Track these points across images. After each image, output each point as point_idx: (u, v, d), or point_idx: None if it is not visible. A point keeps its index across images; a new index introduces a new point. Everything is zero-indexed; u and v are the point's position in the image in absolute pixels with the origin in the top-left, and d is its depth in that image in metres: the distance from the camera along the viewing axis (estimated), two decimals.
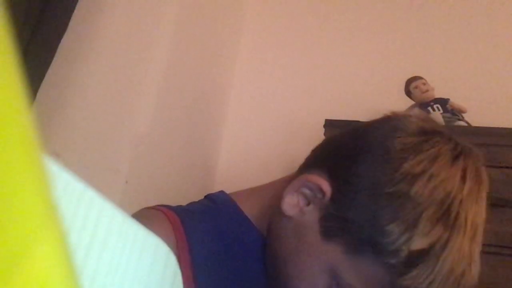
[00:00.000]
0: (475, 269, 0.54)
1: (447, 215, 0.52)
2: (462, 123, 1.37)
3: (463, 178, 0.54)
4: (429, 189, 0.52)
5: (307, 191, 0.58)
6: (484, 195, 0.56)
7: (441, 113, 1.37)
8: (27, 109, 0.15)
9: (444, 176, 0.53)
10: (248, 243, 0.62)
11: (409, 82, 1.46)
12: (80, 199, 0.26)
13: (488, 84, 1.54)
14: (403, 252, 0.51)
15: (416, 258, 0.51)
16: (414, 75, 1.47)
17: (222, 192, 0.68)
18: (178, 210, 0.61)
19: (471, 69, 1.57)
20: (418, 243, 0.51)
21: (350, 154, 0.58)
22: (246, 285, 0.61)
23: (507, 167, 1.17)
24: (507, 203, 1.13)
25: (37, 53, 0.78)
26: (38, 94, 0.78)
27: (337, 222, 0.55)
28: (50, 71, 0.80)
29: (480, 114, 1.42)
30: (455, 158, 0.55)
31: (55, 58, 0.81)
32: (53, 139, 0.86)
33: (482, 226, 0.55)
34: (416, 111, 0.60)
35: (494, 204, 1.14)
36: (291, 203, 0.59)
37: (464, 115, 1.40)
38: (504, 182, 1.16)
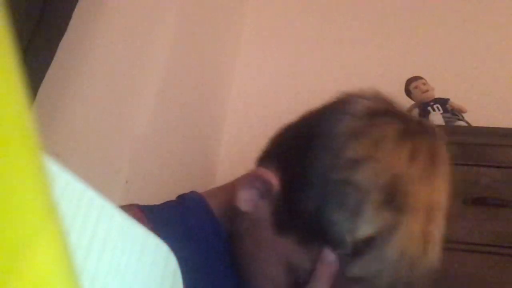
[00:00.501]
0: (433, 252, 0.53)
1: (392, 199, 0.51)
2: (462, 123, 1.37)
3: (412, 158, 0.52)
4: (373, 174, 0.51)
5: (259, 185, 0.58)
6: (441, 172, 0.55)
7: (441, 113, 1.37)
8: (27, 109, 0.15)
9: (389, 159, 0.52)
10: (213, 237, 0.62)
11: (409, 82, 1.46)
12: (80, 199, 0.26)
13: (488, 84, 1.54)
14: (349, 241, 0.51)
15: (363, 247, 0.50)
16: (414, 75, 1.47)
17: (193, 191, 0.68)
18: (144, 207, 0.61)
19: (471, 69, 1.57)
20: (364, 230, 0.50)
21: (297, 144, 0.57)
22: (211, 280, 0.61)
23: (507, 167, 1.17)
24: (507, 203, 1.13)
25: (37, 53, 0.78)
26: (38, 94, 0.78)
27: (288, 215, 0.55)
28: (50, 71, 0.80)
29: (480, 114, 1.42)
30: (402, 138, 0.53)
31: (55, 58, 0.81)
32: (53, 139, 0.86)
33: (443, 206, 0.54)
34: (369, 89, 0.58)
35: (494, 204, 1.14)
36: (245, 198, 0.58)
37: (464, 115, 1.40)
38: (504, 182, 1.16)
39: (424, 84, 1.44)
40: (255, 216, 0.58)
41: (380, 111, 0.56)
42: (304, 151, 0.55)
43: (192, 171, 1.43)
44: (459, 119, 1.38)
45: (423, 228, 0.52)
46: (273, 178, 0.56)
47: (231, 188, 0.65)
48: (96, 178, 0.96)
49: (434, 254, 0.53)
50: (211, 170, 1.58)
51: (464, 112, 1.40)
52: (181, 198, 0.66)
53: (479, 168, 1.18)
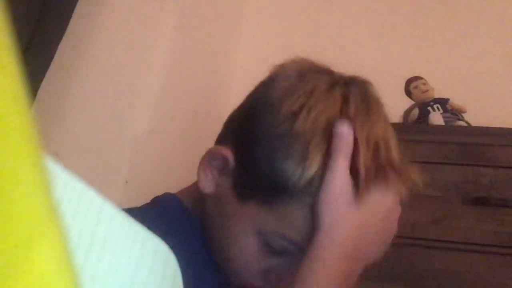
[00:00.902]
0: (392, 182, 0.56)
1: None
2: (462, 123, 1.37)
3: (346, 102, 0.56)
4: (310, 120, 0.54)
5: (215, 163, 0.60)
6: (377, 112, 0.58)
7: (441, 113, 1.37)
8: (27, 109, 0.15)
9: (323, 105, 0.55)
10: (190, 231, 0.63)
11: (409, 82, 1.46)
12: (80, 199, 0.26)
13: (488, 84, 1.54)
14: (302, 183, 0.53)
15: (313, 185, 0.53)
16: (414, 75, 1.47)
17: (166, 192, 0.69)
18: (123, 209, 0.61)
19: (471, 69, 1.57)
20: (313, 170, 0.53)
21: (242, 115, 0.62)
22: (193, 277, 0.61)
23: (507, 167, 1.17)
24: (507, 203, 1.13)
25: (37, 53, 0.78)
26: (38, 94, 0.78)
27: (246, 182, 0.57)
28: (50, 71, 0.80)
29: (480, 114, 1.42)
30: (331, 87, 0.57)
31: (55, 58, 0.81)
32: (53, 139, 0.86)
33: (386, 142, 0.57)
34: (295, 57, 0.63)
35: (494, 204, 1.14)
36: (205, 179, 0.61)
37: (464, 115, 1.40)
38: (504, 182, 1.16)
39: (424, 84, 1.44)
40: (218, 194, 0.60)
41: (307, 69, 0.61)
42: (247, 120, 0.60)
43: (192, 172, 1.43)
44: (459, 119, 1.38)
45: (371, 162, 0.55)
46: (227, 152, 0.59)
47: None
48: (96, 178, 0.96)
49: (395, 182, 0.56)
50: None
51: (464, 112, 1.40)
52: (156, 199, 0.68)
53: (479, 168, 1.18)
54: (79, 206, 0.26)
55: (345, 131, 0.53)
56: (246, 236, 0.57)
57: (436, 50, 1.62)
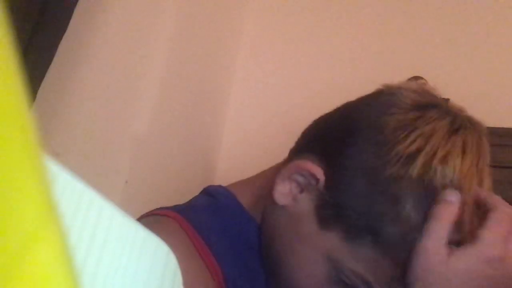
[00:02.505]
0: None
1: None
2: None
3: (463, 153, 0.51)
4: (426, 169, 0.50)
5: (299, 178, 0.56)
6: (485, 166, 0.54)
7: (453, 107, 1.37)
8: (27, 109, 0.15)
9: (442, 153, 0.50)
10: (250, 237, 0.60)
11: None
12: (80, 199, 0.26)
13: (488, 84, 1.54)
14: (400, 238, 0.50)
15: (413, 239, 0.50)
16: (414, 75, 1.47)
17: (220, 186, 0.66)
18: (179, 209, 0.60)
19: (471, 69, 1.57)
20: (418, 226, 0.49)
21: (341, 136, 0.55)
22: (251, 276, 0.60)
23: (507, 167, 1.17)
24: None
25: (37, 53, 0.78)
26: (38, 94, 0.78)
27: (334, 210, 0.53)
28: (50, 71, 0.80)
29: (480, 114, 1.42)
30: (452, 133, 0.52)
31: (55, 58, 0.81)
32: (53, 139, 0.86)
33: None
34: (412, 83, 0.58)
35: None
36: (283, 191, 0.56)
37: None
38: (504, 182, 1.16)
39: (424, 84, 1.44)
40: (294, 210, 0.55)
41: (426, 104, 0.54)
42: (349, 144, 0.53)
43: (193, 172, 1.43)
44: None
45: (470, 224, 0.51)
46: (318, 171, 0.54)
47: (258, 182, 0.64)
48: (96, 178, 0.96)
49: None
50: (212, 171, 1.58)
51: None
52: (210, 194, 0.64)
53: None
54: (79, 206, 0.26)
55: (453, 200, 0.49)
56: (316, 264, 0.53)
57: (436, 50, 1.62)
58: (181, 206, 0.62)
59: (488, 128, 1.25)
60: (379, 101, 0.56)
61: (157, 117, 1.19)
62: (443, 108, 0.55)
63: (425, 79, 1.48)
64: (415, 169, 0.50)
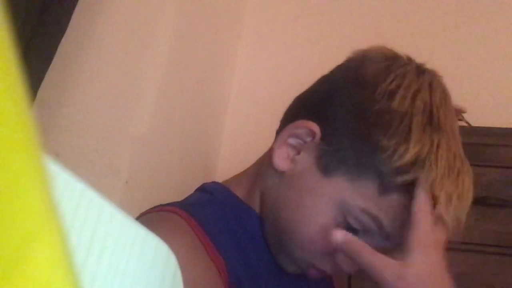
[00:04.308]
0: (467, 166, 0.59)
1: (432, 121, 0.56)
2: (462, 123, 1.37)
3: (431, 88, 0.60)
4: (408, 100, 0.57)
5: (294, 141, 0.60)
6: (450, 102, 0.62)
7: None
8: (27, 109, 0.15)
9: (416, 87, 0.58)
10: (250, 227, 0.63)
11: None
12: (80, 199, 0.26)
13: (488, 84, 1.54)
14: (403, 162, 0.54)
15: (414, 164, 0.54)
16: None
17: (214, 182, 0.68)
18: (180, 205, 0.61)
19: (471, 69, 1.57)
20: (415, 150, 0.54)
21: (326, 94, 0.62)
22: (254, 267, 0.61)
23: (507, 167, 1.17)
24: (507, 203, 1.13)
25: (37, 53, 0.78)
26: (38, 94, 0.78)
27: (334, 155, 0.57)
28: (50, 71, 0.80)
29: (480, 114, 1.42)
30: (420, 73, 0.61)
31: (55, 58, 0.81)
32: (53, 139, 0.86)
33: (457, 130, 0.60)
34: (375, 44, 0.66)
35: (494, 204, 1.13)
36: (281, 156, 0.60)
37: (464, 115, 1.40)
38: (504, 182, 1.16)
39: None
40: (295, 170, 0.59)
41: (392, 55, 0.63)
42: (335, 96, 0.60)
43: (193, 171, 1.43)
44: (459, 119, 1.38)
45: (456, 145, 0.58)
46: (313, 125, 0.59)
47: (249, 171, 0.67)
48: (96, 178, 0.96)
49: (470, 169, 0.60)
50: (212, 170, 1.58)
51: (464, 112, 1.40)
52: (206, 191, 0.67)
53: (479, 168, 1.18)
54: (79, 206, 0.26)
55: (341, 237, 0.53)
56: (326, 210, 0.57)
57: (436, 50, 1.62)
58: (178, 203, 0.63)
59: (488, 128, 1.25)
60: (354, 60, 0.64)
61: (157, 117, 1.19)
62: (406, 58, 0.65)
63: None
64: (396, 101, 0.56)
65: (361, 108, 0.57)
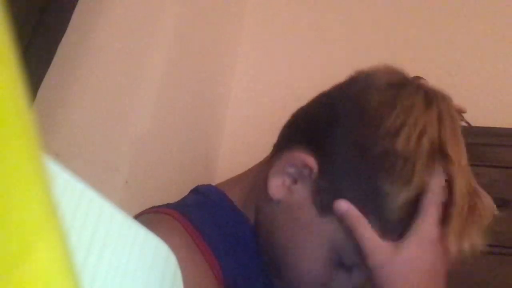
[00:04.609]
0: (486, 199, 0.57)
1: (439, 159, 0.53)
2: (462, 123, 1.37)
3: (440, 121, 0.55)
4: (414, 139, 0.53)
5: (291, 170, 0.57)
6: (459, 132, 0.57)
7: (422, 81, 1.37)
8: (27, 109, 0.15)
9: (423, 123, 0.54)
10: (243, 235, 0.61)
11: None
12: (80, 199, 0.26)
13: (488, 84, 1.54)
14: (404, 207, 0.52)
15: (412, 208, 0.52)
16: (414, 75, 1.47)
17: (209, 185, 0.67)
18: (174, 207, 0.60)
19: (471, 69, 1.57)
20: (412, 193, 0.52)
21: (326, 122, 0.57)
22: (249, 272, 0.60)
23: (507, 167, 1.17)
24: (507, 203, 1.13)
25: (37, 53, 0.78)
26: (38, 94, 0.78)
27: (331, 194, 0.54)
28: (50, 71, 0.80)
29: (480, 114, 1.42)
30: (429, 104, 0.56)
31: (55, 58, 0.81)
32: (53, 139, 0.86)
33: (467, 161, 0.57)
34: (379, 64, 0.62)
35: (494, 204, 1.13)
36: (277, 185, 0.57)
37: (464, 115, 1.40)
38: (504, 182, 1.16)
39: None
40: (291, 201, 0.56)
41: (399, 82, 0.59)
42: (336, 128, 0.56)
43: (192, 171, 1.43)
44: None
45: (469, 180, 0.55)
46: (310, 160, 0.55)
47: (246, 179, 0.65)
48: (96, 178, 0.96)
49: (489, 200, 0.58)
50: (212, 170, 1.57)
51: (464, 112, 1.40)
52: (201, 193, 0.64)
53: (479, 168, 1.18)
54: (79, 206, 0.26)
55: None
56: (317, 249, 0.55)
57: (436, 50, 1.62)
58: (174, 204, 0.62)
59: (488, 128, 1.25)
60: (356, 86, 0.59)
61: (157, 117, 1.19)
62: (414, 84, 0.59)
63: (425, 79, 1.48)
64: (401, 141, 0.52)
65: (364, 147, 0.53)
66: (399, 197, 0.52)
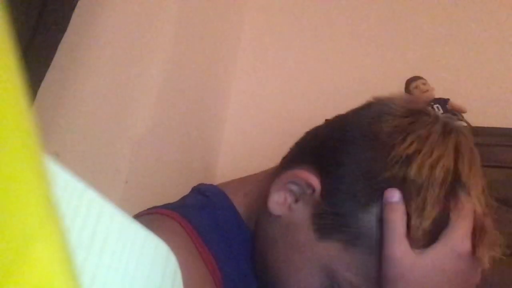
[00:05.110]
0: (496, 232, 0.56)
1: (450, 192, 0.51)
2: (462, 123, 1.37)
3: (457, 152, 0.52)
4: (427, 168, 0.50)
5: (294, 187, 0.55)
6: (479, 170, 0.55)
7: (441, 113, 1.37)
8: (27, 109, 0.15)
9: (438, 153, 0.51)
10: (241, 237, 0.60)
11: (409, 82, 1.46)
12: (80, 199, 0.26)
13: (488, 84, 1.54)
14: (417, 237, 0.50)
15: (429, 236, 0.50)
16: (414, 75, 1.47)
17: (212, 185, 0.66)
18: (174, 207, 0.60)
19: (471, 69, 1.57)
20: (427, 225, 0.50)
21: (336, 145, 0.55)
22: (248, 276, 0.59)
23: (507, 167, 1.17)
24: (507, 203, 1.13)
25: (37, 53, 0.78)
26: (38, 94, 0.78)
27: (332, 219, 0.52)
28: (50, 71, 0.80)
29: (480, 114, 1.42)
30: (446, 135, 0.53)
31: (55, 58, 0.81)
32: (53, 139, 0.86)
33: (485, 194, 0.55)
34: (399, 93, 0.59)
35: (494, 204, 1.13)
36: (278, 201, 0.55)
37: (464, 115, 1.40)
38: (504, 182, 1.16)
39: (424, 84, 1.44)
40: (290, 219, 0.55)
41: (416, 110, 0.56)
42: (345, 152, 0.53)
43: (192, 172, 1.43)
44: (459, 119, 1.38)
45: (481, 215, 0.53)
46: (314, 180, 0.53)
47: (250, 185, 0.63)
48: (96, 178, 0.96)
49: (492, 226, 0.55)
50: (212, 171, 1.57)
51: (464, 112, 1.40)
52: (202, 193, 0.63)
53: None
54: (79, 206, 0.26)
55: (396, 200, 0.49)
56: (310, 272, 0.53)
57: (436, 50, 1.62)
58: (174, 205, 0.62)
59: (488, 128, 1.25)
60: (371, 111, 0.56)
61: (157, 117, 1.19)
62: (433, 114, 0.56)
63: (425, 79, 1.48)
64: (413, 169, 0.50)
65: (370, 173, 0.51)
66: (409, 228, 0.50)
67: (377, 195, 0.50)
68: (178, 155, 1.33)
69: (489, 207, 0.56)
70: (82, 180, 0.26)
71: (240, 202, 0.62)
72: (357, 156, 0.53)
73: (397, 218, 0.49)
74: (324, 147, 0.57)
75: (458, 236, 0.50)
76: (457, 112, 1.39)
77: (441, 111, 1.38)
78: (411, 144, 0.51)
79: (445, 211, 0.50)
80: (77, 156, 0.92)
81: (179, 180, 1.30)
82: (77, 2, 0.85)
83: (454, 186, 0.51)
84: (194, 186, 0.66)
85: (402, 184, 0.50)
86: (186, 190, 0.69)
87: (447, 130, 0.54)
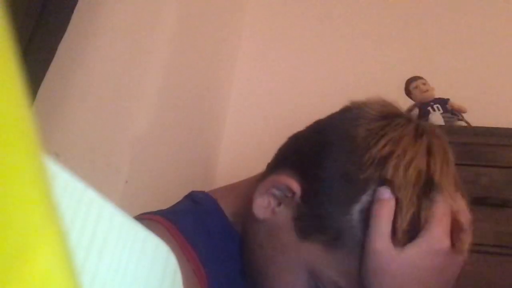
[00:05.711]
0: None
1: (424, 193, 0.52)
2: (462, 123, 1.37)
3: (429, 153, 0.54)
4: (401, 170, 0.52)
5: (276, 192, 0.57)
6: (452, 169, 0.56)
7: (441, 113, 1.37)
8: (27, 109, 0.15)
9: (411, 155, 0.53)
10: (231, 246, 0.62)
11: (409, 82, 1.46)
12: (80, 199, 0.26)
13: (488, 84, 1.54)
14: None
15: (408, 236, 0.51)
16: (414, 75, 1.47)
17: (202, 192, 0.67)
18: (163, 214, 0.60)
19: (471, 69, 1.57)
20: (405, 225, 0.51)
21: (314, 149, 0.57)
22: (235, 280, 0.60)
23: (507, 167, 1.17)
24: (507, 203, 1.13)
25: (37, 53, 0.78)
26: (38, 94, 0.78)
27: (312, 220, 0.54)
28: (50, 71, 0.80)
29: (480, 114, 1.42)
30: (418, 137, 0.55)
31: (55, 58, 0.81)
32: (53, 139, 0.86)
33: (462, 193, 0.57)
34: (374, 97, 0.61)
35: (494, 204, 1.13)
36: (261, 205, 0.58)
37: (464, 115, 1.40)
38: (504, 182, 1.16)
39: (424, 84, 1.44)
40: (273, 222, 0.57)
41: (390, 114, 0.58)
42: (323, 156, 0.56)
43: (192, 172, 1.43)
44: (459, 119, 1.38)
45: (456, 213, 0.54)
46: (293, 184, 0.55)
47: (240, 190, 0.65)
48: (96, 178, 0.96)
49: (468, 218, 0.57)
50: (211, 171, 1.58)
51: (464, 112, 1.40)
52: (193, 200, 0.65)
53: (479, 168, 1.18)
54: (79, 206, 0.26)
55: (387, 198, 0.51)
56: (295, 273, 0.55)
57: (436, 50, 1.62)
58: (164, 211, 0.63)
59: (488, 128, 1.25)
60: (348, 115, 0.59)
61: (157, 117, 1.19)
62: (405, 116, 0.59)
63: (425, 79, 1.48)
64: (389, 171, 0.52)
65: (347, 175, 0.53)
66: None
67: (355, 196, 0.52)
68: (178, 155, 1.33)
69: (466, 204, 0.57)
70: (82, 180, 0.26)
71: (229, 208, 0.64)
72: (335, 159, 0.55)
73: (385, 214, 0.51)
74: (303, 152, 0.59)
75: (435, 235, 0.51)
76: (457, 112, 1.39)
77: (441, 111, 1.38)
78: (384, 146, 0.53)
79: (420, 211, 0.51)
80: (77, 156, 0.93)
81: (179, 180, 1.30)
82: (77, 2, 0.85)
83: (427, 186, 0.52)
84: (187, 194, 0.68)
85: (379, 185, 0.52)
86: (186, 190, 0.69)
87: (419, 133, 0.56)
